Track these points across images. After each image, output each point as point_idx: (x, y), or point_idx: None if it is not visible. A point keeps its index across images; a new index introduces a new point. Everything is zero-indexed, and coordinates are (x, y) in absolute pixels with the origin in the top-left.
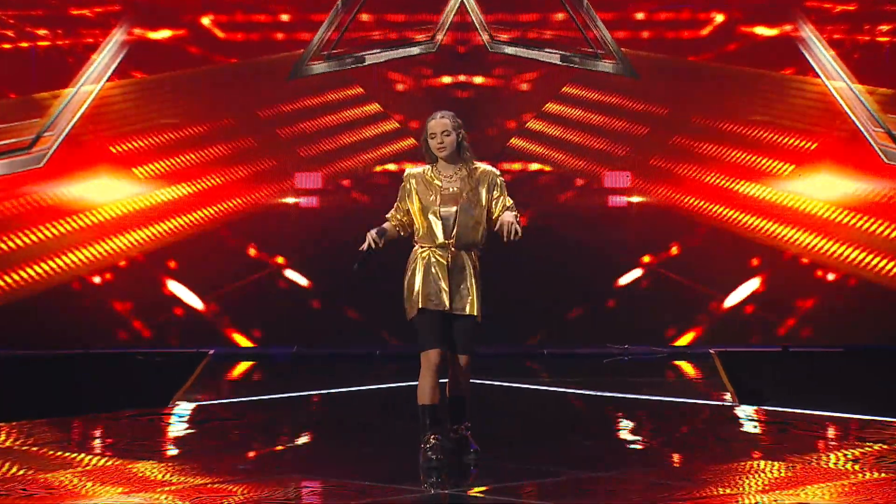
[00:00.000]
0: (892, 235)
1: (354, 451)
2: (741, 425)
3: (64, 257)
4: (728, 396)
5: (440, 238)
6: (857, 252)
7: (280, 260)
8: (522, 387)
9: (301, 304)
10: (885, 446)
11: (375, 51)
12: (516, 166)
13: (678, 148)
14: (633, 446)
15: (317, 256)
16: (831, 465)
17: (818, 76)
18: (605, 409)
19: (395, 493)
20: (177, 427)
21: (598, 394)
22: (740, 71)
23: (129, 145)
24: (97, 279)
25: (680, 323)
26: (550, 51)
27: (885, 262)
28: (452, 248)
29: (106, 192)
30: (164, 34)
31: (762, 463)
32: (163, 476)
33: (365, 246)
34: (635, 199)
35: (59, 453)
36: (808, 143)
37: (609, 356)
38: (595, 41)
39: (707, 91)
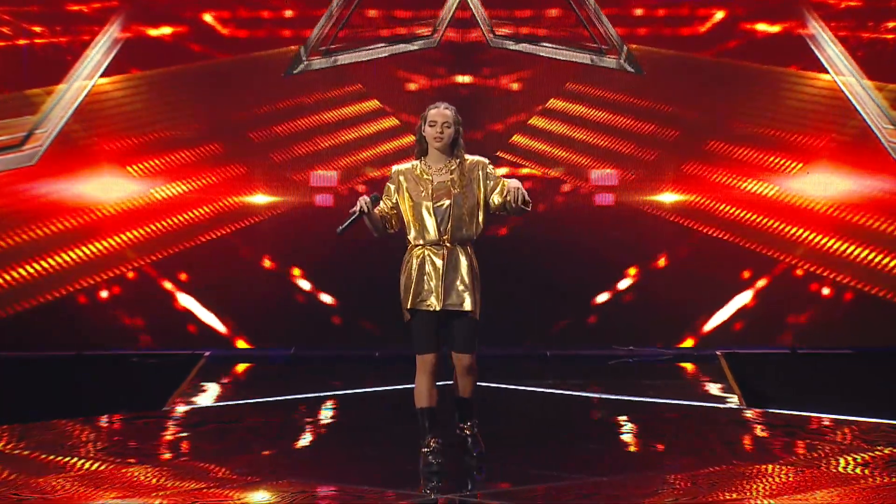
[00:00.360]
0: None
1: (353, 454)
2: (748, 428)
3: (56, 257)
4: (735, 399)
5: (433, 234)
6: (867, 251)
7: (280, 260)
8: (525, 389)
9: (301, 304)
10: (894, 450)
11: (378, 45)
12: (517, 164)
13: (684, 147)
14: (637, 449)
15: (317, 256)
16: (840, 470)
17: (827, 72)
18: (609, 411)
19: (394, 498)
20: (172, 430)
21: (603, 396)
22: (746, 67)
23: (123, 142)
24: (90, 279)
25: (686, 324)
26: (553, 46)
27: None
28: (447, 244)
29: (99, 191)
30: (160, 31)
31: (769, 467)
32: (158, 480)
33: (357, 209)
34: (642, 198)
35: (52, 457)
36: (817, 141)
37: (614, 358)
38: (599, 37)
39: (711, 88)
